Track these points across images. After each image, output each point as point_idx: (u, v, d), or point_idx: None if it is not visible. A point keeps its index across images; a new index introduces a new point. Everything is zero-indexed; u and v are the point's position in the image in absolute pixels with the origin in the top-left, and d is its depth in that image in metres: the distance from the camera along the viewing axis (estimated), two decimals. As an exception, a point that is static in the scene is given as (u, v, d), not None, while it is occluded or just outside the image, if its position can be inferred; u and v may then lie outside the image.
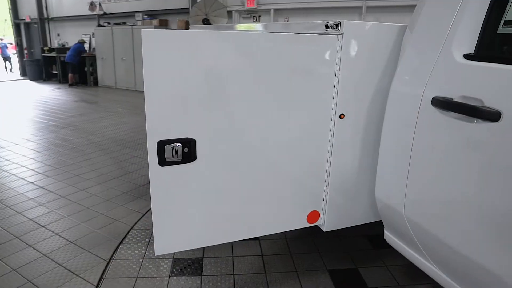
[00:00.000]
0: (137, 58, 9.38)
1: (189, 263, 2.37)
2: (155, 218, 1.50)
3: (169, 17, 9.37)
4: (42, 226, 2.80)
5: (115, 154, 4.51)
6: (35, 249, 2.50)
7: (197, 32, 1.42)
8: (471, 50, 1.28)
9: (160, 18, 9.27)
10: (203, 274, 2.27)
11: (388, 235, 1.76)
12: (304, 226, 1.84)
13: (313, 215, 1.82)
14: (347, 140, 1.75)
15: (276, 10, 8.00)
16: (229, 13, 8.27)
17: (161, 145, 1.40)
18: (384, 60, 1.69)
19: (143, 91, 1.38)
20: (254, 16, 8.32)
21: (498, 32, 1.23)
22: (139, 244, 2.58)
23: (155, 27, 8.92)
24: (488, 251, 1.19)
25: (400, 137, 1.51)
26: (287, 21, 8.06)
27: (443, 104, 1.30)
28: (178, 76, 1.40)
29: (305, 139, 1.70)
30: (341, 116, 1.68)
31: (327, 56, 1.60)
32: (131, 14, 9.83)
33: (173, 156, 1.43)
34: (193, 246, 1.66)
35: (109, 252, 2.47)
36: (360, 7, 7.07)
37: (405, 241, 1.62)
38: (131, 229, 2.78)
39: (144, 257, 2.42)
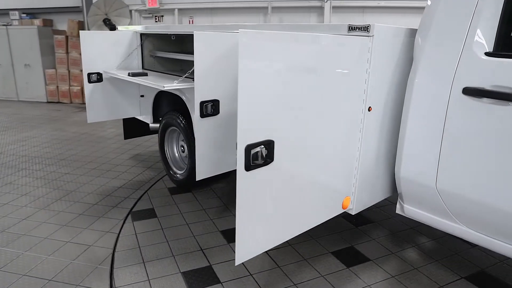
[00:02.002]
0: (17, 63, 8.06)
1: (201, 274, 2.27)
2: (240, 225, 1.43)
3: (55, 17, 8.30)
4: (-3, 269, 2.30)
5: (39, 173, 3.89)
6: (4, 297, 2.06)
7: (288, 34, 1.44)
8: (489, 49, 1.59)
9: (44, 18, 8.14)
10: (222, 281, 2.20)
11: (409, 208, 2.01)
12: (340, 213, 1.97)
13: (346, 201, 1.96)
14: (373, 129, 1.95)
15: (180, 10, 7.83)
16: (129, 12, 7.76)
17: (248, 149, 1.35)
18: (400, 58, 1.94)
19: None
20: (156, 16, 7.99)
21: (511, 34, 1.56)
22: (133, 266, 2.34)
23: (39, 28, 7.81)
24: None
25: (430, 122, 1.76)
26: (192, 21, 7.97)
27: (476, 92, 1.58)
28: (267, 78, 1.41)
29: (344, 131, 1.84)
30: (369, 108, 1.87)
31: (361, 55, 1.76)
32: (3, 12, 8.38)
33: (256, 160, 1.39)
34: (266, 248, 1.66)
35: (105, 282, 2.19)
36: (266, 8, 7.43)
37: (431, 210, 1.88)
38: (114, 252, 2.49)
39: (149, 278, 2.22)
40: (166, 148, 3.65)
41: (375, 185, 2.12)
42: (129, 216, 3.00)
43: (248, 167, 1.38)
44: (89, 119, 3.57)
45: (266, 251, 2.51)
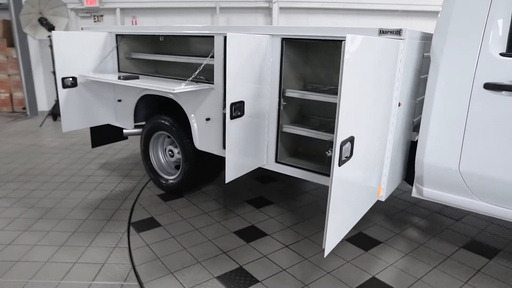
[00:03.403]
0: None
1: (235, 275, 2.26)
2: (332, 218, 1.49)
3: (-29, 15, 7.27)
4: (5, 302, 2.03)
5: (3, 192, 3.44)
6: (31, 330, 1.84)
7: (377, 38, 1.60)
8: (503, 50, 1.86)
9: (-43, 16, 7.09)
10: (260, 280, 2.22)
11: (428, 190, 2.23)
12: (376, 201, 2.13)
13: (380, 190, 2.13)
14: (399, 122, 2.14)
15: (122, 9, 7.42)
16: (62, 11, 7.11)
17: (341, 145, 1.42)
18: (418, 58, 2.16)
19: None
20: (95, 16, 7.46)
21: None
22: (163, 277, 2.24)
23: (-49, 28, 6.79)
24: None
25: (453, 114, 2.01)
26: (135, 22, 7.61)
27: (497, 87, 1.85)
28: (357, 79, 1.52)
29: (383, 125, 2.01)
30: (399, 104, 2.06)
31: (396, 56, 1.94)
32: None
33: (344, 155, 1.47)
34: (343, 235, 1.79)
35: (140, 297, 2.07)
36: (213, 8, 7.39)
37: (451, 190, 2.13)
38: (134, 266, 2.35)
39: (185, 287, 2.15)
40: (151, 154, 3.50)
41: (396, 173, 2.33)
42: (131, 228, 2.83)
43: (340, 162, 1.45)
44: (64, 128, 3.28)
45: (287, 246, 2.58)
